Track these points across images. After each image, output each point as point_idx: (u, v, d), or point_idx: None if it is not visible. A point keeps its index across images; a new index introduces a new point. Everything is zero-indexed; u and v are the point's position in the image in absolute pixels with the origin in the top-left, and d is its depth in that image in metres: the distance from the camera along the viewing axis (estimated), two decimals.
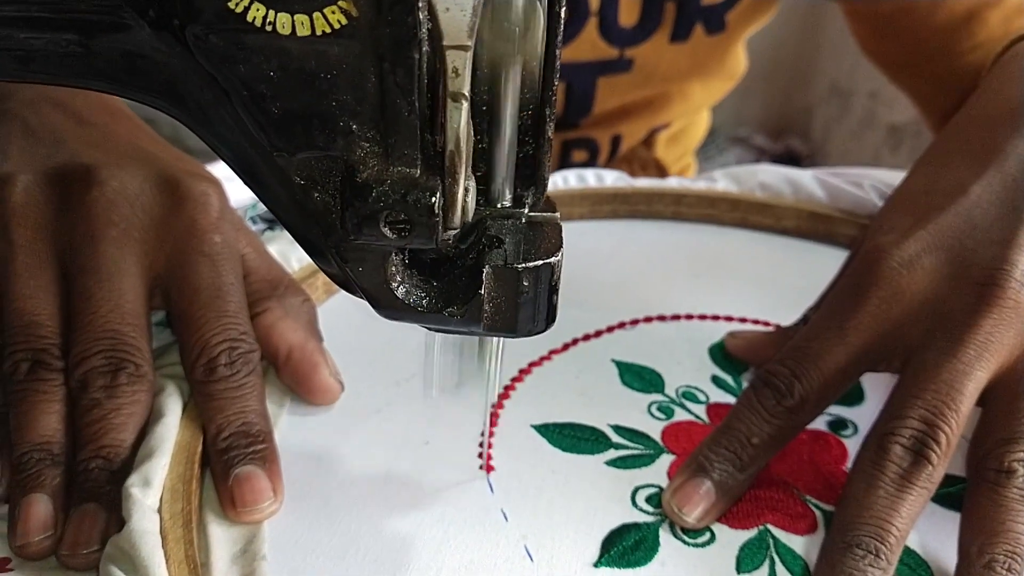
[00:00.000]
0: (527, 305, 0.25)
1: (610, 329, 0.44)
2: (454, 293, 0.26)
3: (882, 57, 0.64)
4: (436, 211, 0.23)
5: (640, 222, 0.54)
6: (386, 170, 0.23)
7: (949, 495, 0.35)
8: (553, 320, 0.26)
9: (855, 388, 0.40)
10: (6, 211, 0.35)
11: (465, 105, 0.22)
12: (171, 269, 0.36)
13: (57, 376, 0.33)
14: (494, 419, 0.37)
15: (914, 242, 0.36)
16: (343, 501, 0.33)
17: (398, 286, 0.25)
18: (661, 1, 0.64)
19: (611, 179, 0.56)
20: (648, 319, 0.45)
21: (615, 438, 0.37)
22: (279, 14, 0.21)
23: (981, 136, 0.40)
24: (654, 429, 0.38)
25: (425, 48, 0.21)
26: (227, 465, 0.32)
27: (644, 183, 0.56)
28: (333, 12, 0.21)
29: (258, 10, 0.21)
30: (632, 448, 0.36)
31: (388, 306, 0.26)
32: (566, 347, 0.42)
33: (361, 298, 0.26)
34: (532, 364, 0.41)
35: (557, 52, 0.24)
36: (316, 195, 0.23)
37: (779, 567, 0.32)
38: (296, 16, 0.21)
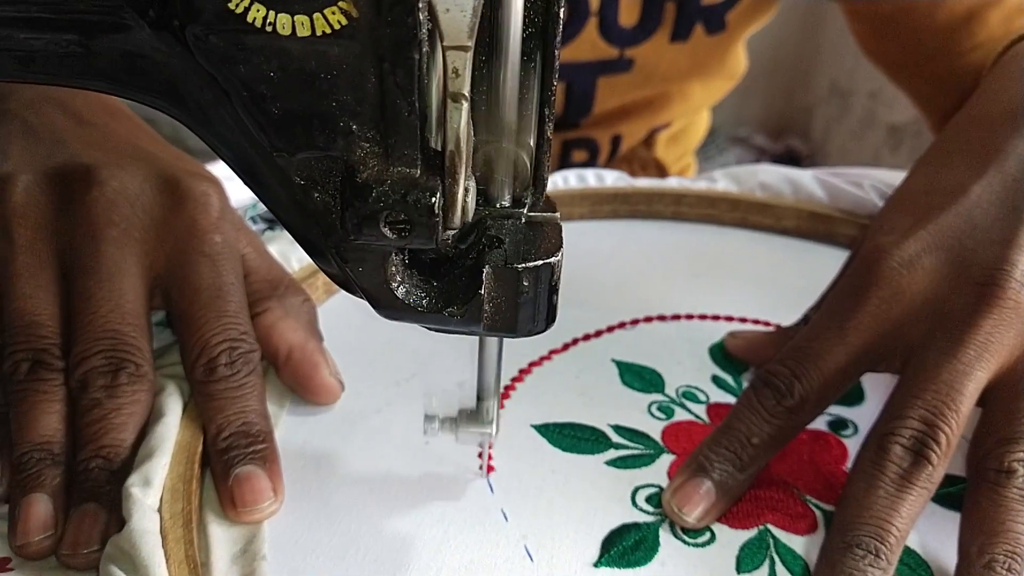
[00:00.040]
0: (527, 305, 0.25)
1: (610, 329, 0.44)
2: (454, 293, 0.26)
3: (882, 57, 0.64)
4: (436, 211, 0.23)
5: (640, 222, 0.54)
6: (386, 170, 0.23)
7: (949, 495, 0.35)
8: (553, 320, 0.26)
9: (855, 388, 0.40)
10: (6, 211, 0.35)
11: (465, 105, 0.22)
12: (171, 269, 0.36)
13: (57, 376, 0.33)
14: None
15: (914, 242, 0.36)
16: (343, 501, 0.33)
17: (398, 286, 0.25)
18: (661, 1, 0.64)
19: (611, 179, 0.56)
20: (648, 319, 0.45)
21: (615, 438, 0.37)
22: (279, 15, 0.21)
23: (981, 136, 0.40)
24: (654, 429, 0.38)
25: (425, 48, 0.21)
26: (227, 465, 0.32)
27: (644, 183, 0.56)
28: (333, 13, 0.21)
29: (258, 11, 0.21)
30: (632, 448, 0.36)
31: (388, 306, 0.26)
32: (566, 347, 0.42)
33: (361, 298, 0.26)
34: (532, 364, 0.41)
35: (556, 52, 0.24)
36: (316, 195, 0.23)
37: (779, 567, 0.32)
38: (296, 17, 0.21)
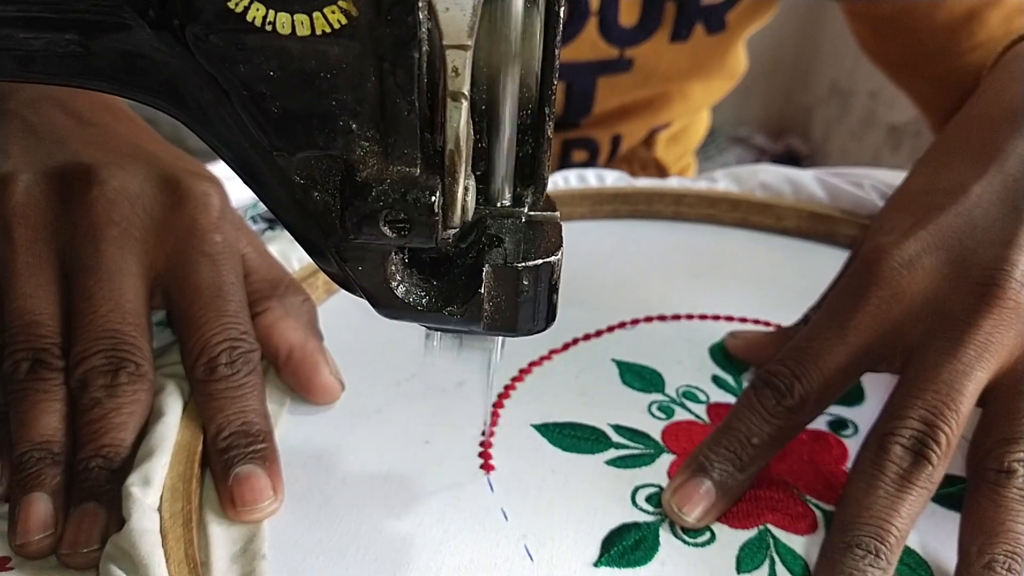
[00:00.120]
0: (527, 304, 0.25)
1: (610, 329, 0.44)
2: (454, 292, 0.26)
3: (882, 57, 0.64)
4: (436, 210, 0.23)
5: (640, 222, 0.54)
6: (386, 169, 0.23)
7: (949, 495, 0.35)
8: (553, 319, 0.26)
9: (855, 388, 0.40)
10: (7, 210, 0.35)
11: (465, 104, 0.22)
12: (172, 268, 0.36)
13: (57, 375, 0.33)
14: (494, 419, 0.37)
15: (914, 242, 0.36)
16: (343, 501, 0.33)
17: (398, 285, 0.25)
18: (661, 1, 0.64)
19: (612, 179, 0.56)
20: (648, 319, 0.45)
21: (615, 438, 0.37)
22: (279, 14, 0.21)
23: (982, 136, 0.40)
24: (654, 429, 0.38)
25: (425, 48, 0.21)
26: (227, 464, 0.32)
27: (644, 183, 0.56)
28: (333, 12, 0.21)
29: (258, 10, 0.21)
30: (632, 448, 0.36)
31: (388, 305, 0.26)
32: (566, 347, 0.42)
33: (361, 297, 0.26)
34: (532, 364, 0.41)
35: (556, 52, 0.24)
36: (316, 194, 0.23)
37: (779, 567, 0.32)
38: (296, 16, 0.21)
